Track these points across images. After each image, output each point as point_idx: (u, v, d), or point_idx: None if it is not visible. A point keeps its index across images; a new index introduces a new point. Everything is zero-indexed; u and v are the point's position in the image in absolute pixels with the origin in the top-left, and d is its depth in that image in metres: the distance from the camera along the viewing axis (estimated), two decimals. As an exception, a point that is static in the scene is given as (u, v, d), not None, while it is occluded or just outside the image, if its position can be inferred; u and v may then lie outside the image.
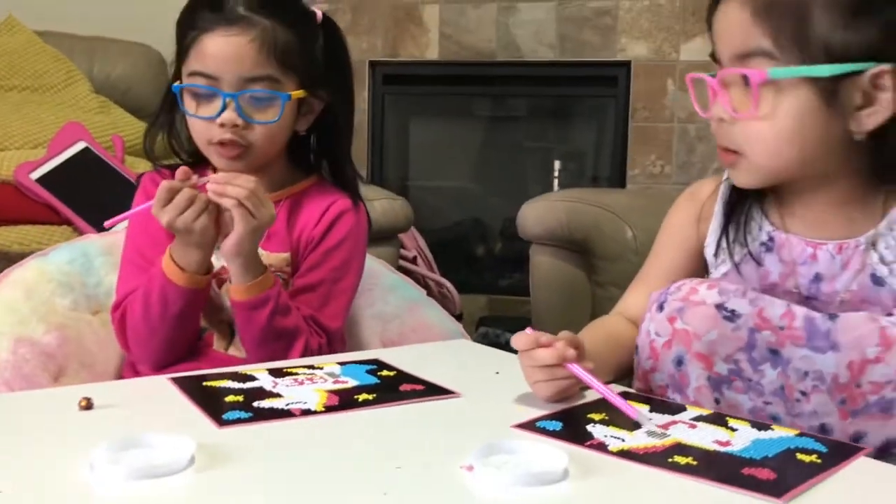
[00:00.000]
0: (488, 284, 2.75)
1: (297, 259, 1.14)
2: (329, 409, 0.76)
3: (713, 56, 0.87)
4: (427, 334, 1.35)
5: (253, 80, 1.04)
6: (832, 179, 0.85)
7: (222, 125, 1.05)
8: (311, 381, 0.85)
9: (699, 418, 0.76)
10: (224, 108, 1.04)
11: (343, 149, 1.18)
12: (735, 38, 0.82)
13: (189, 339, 1.09)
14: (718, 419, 0.76)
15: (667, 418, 0.76)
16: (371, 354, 0.99)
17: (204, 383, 0.84)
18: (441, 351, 1.06)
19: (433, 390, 0.83)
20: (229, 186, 0.99)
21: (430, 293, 2.32)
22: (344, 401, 0.78)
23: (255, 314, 1.04)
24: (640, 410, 0.76)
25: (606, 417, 0.75)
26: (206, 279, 1.05)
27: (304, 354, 1.05)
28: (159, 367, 1.07)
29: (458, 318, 2.28)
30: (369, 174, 2.73)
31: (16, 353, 1.12)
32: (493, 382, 0.89)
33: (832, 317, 0.80)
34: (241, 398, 0.78)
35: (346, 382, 0.85)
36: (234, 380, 0.85)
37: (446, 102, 2.86)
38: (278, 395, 0.79)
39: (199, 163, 1.15)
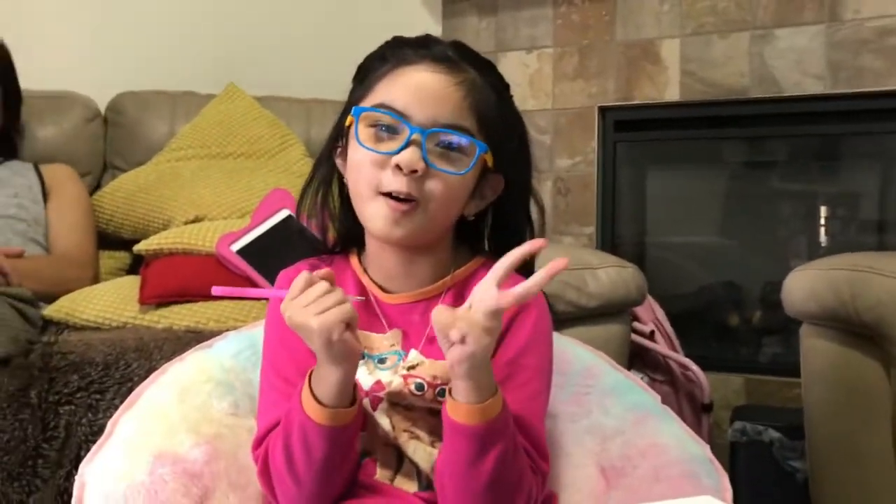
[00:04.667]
0: (745, 362, 2.31)
1: None
2: None
3: None
4: (661, 460, 1.02)
5: (446, 126, 0.87)
6: None
7: (398, 167, 0.85)
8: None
9: None
10: (407, 145, 0.85)
11: (520, 234, 0.95)
12: None
13: (346, 477, 0.85)
14: None
15: None
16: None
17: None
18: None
19: None
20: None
21: (671, 376, 1.95)
22: None
23: (484, 453, 0.78)
24: None
25: None
26: (352, 413, 0.81)
27: None
28: None
29: (708, 407, 1.89)
30: (599, 232, 2.42)
31: (153, 473, 0.95)
32: None
33: None
34: None
35: None
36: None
37: (689, 148, 2.48)
38: None
39: (347, 247, 0.98)
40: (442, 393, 0.85)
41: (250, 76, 2.28)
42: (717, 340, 2.38)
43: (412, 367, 0.87)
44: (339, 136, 0.94)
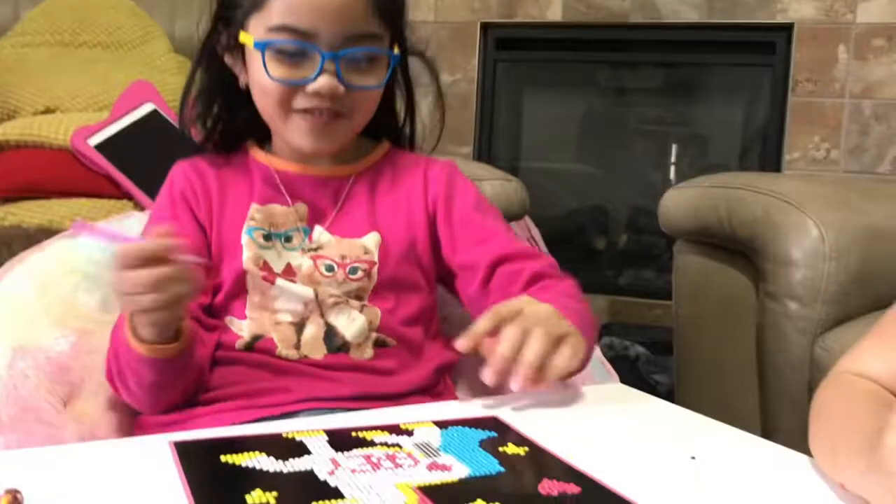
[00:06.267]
0: (609, 284, 2.38)
1: (433, 233, 0.87)
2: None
3: None
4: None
5: (356, 39, 0.81)
6: None
7: (317, 93, 0.80)
8: (392, 462, 0.53)
9: None
10: (321, 71, 0.79)
11: (408, 115, 0.94)
12: None
13: (187, 388, 0.79)
14: None
15: None
16: (489, 407, 0.66)
17: (222, 458, 0.52)
18: (592, 402, 0.72)
19: (596, 495, 0.50)
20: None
21: (544, 293, 1.98)
22: (445, 514, 0.46)
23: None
24: None
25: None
26: (173, 349, 0.73)
27: None
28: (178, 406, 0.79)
29: (577, 323, 1.93)
30: (476, 151, 2.39)
31: (13, 367, 0.85)
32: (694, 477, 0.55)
33: None
34: (272, 498, 0.47)
35: (449, 468, 0.52)
36: (271, 453, 0.53)
37: (568, 71, 2.49)
38: (336, 497, 0.47)
39: (234, 146, 0.90)
40: (353, 271, 0.81)
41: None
42: (584, 263, 2.43)
43: (319, 248, 0.82)
44: (223, 36, 0.85)
